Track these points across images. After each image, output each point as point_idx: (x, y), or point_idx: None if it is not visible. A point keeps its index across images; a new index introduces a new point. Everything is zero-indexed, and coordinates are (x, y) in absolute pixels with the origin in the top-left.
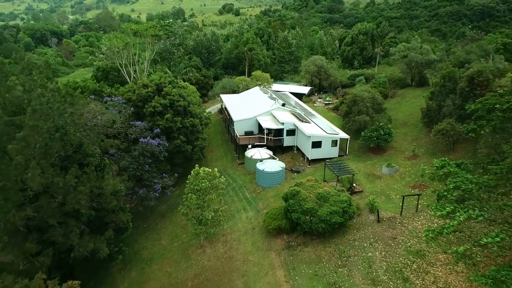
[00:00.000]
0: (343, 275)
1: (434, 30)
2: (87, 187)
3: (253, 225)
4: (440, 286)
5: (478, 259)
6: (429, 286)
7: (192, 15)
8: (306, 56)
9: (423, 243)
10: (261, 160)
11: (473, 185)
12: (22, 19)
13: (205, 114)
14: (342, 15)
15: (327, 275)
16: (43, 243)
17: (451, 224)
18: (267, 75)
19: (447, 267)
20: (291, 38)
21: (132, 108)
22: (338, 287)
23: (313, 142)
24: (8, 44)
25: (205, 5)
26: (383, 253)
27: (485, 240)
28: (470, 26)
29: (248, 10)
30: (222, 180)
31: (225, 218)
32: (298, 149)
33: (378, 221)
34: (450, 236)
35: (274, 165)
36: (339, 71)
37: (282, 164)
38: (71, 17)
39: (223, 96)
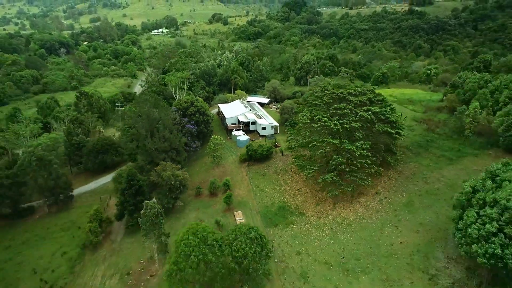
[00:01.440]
0: (267, 171)
1: (396, 42)
2: (177, 139)
3: (234, 160)
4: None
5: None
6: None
7: (184, 24)
8: (274, 76)
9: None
10: (238, 136)
11: (297, 136)
12: (16, 23)
13: (211, 114)
14: (319, 26)
15: (259, 172)
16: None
17: (292, 147)
18: (244, 92)
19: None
20: (262, 65)
21: (181, 112)
22: (264, 174)
23: (262, 127)
24: (32, 56)
25: (194, 10)
26: (281, 164)
27: (301, 153)
28: (424, 39)
29: (236, 19)
30: (223, 141)
31: (224, 157)
32: (256, 131)
33: (282, 155)
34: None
35: (244, 137)
36: (292, 87)
37: (248, 137)
38: (65, 22)
39: (219, 104)
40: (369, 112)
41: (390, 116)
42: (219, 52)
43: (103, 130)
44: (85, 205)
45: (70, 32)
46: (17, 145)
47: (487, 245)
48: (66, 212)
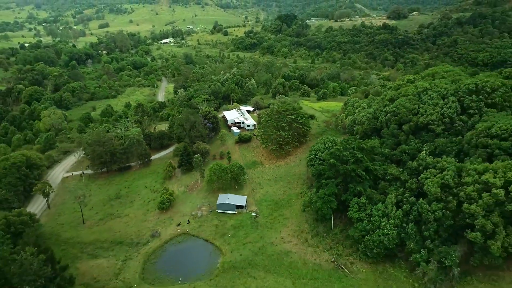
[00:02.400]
0: (248, 147)
1: (369, 54)
2: (203, 131)
3: (232, 142)
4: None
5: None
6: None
7: (188, 34)
8: (260, 89)
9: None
10: (234, 130)
11: (261, 129)
12: (30, 29)
13: (219, 117)
14: (306, 39)
15: (244, 147)
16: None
17: (259, 134)
18: (238, 104)
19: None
20: (250, 85)
21: (203, 117)
22: (247, 148)
23: (247, 125)
24: (74, 71)
25: (196, 15)
26: (255, 143)
27: (263, 137)
28: (391, 52)
29: (234, 30)
30: (226, 132)
31: (226, 141)
32: (245, 127)
33: (257, 139)
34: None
35: (238, 131)
36: (269, 99)
37: (239, 130)
38: (75, 27)
39: (223, 111)
40: (290, 119)
41: (301, 120)
42: (222, 71)
43: (156, 126)
44: (157, 164)
45: (88, 42)
46: (116, 133)
47: (310, 162)
48: (148, 167)
